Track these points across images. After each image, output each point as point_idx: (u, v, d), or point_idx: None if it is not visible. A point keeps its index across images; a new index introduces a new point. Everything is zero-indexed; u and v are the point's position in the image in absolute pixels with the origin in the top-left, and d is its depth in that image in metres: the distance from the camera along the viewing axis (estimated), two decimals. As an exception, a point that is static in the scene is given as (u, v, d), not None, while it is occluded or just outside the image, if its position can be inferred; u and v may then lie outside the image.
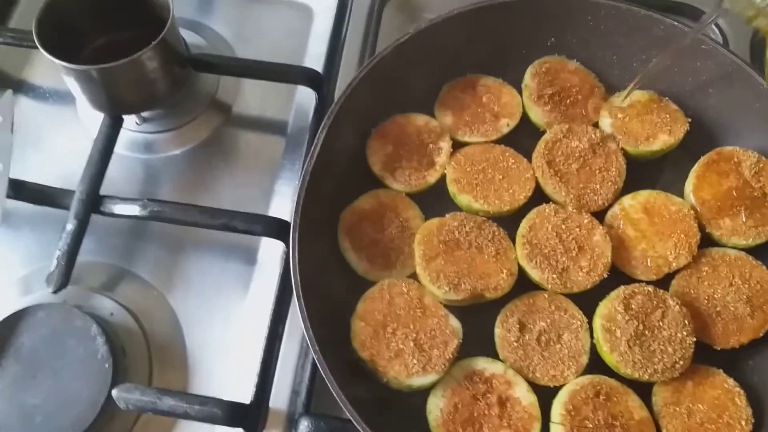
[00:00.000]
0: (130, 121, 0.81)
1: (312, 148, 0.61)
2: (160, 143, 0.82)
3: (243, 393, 0.67)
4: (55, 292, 0.68)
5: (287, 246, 0.70)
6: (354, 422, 0.53)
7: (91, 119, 0.82)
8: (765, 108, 0.66)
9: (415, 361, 0.57)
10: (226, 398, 0.65)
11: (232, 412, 0.63)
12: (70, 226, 0.70)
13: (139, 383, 0.66)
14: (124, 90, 0.72)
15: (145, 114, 0.81)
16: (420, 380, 0.57)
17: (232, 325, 0.72)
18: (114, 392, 0.64)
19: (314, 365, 0.66)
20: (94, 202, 0.72)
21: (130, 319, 0.73)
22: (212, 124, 0.83)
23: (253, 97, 0.85)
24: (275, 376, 0.69)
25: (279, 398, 0.68)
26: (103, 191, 0.74)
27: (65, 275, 0.68)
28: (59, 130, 0.83)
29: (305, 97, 0.84)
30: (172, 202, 0.72)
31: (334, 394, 0.54)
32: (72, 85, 0.72)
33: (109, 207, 0.72)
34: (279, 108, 0.85)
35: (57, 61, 0.67)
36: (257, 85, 0.84)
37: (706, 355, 0.62)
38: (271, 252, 0.75)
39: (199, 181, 0.80)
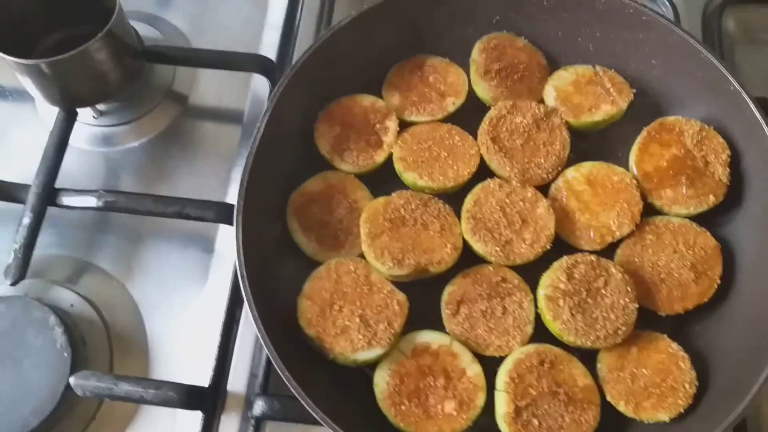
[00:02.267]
0: (87, 115, 0.81)
1: (255, 132, 0.62)
2: (118, 136, 0.83)
3: (203, 377, 0.68)
4: (13, 284, 0.69)
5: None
6: (300, 399, 0.54)
7: (49, 115, 0.82)
8: (707, 76, 0.67)
9: (360, 337, 0.58)
10: (186, 383, 0.66)
11: (187, 395, 0.64)
12: (26, 220, 0.71)
13: (99, 371, 0.67)
14: (75, 83, 0.73)
15: (101, 107, 0.82)
16: (365, 354, 0.58)
17: (191, 312, 0.73)
18: (71, 380, 0.65)
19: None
20: (49, 195, 0.73)
21: (90, 309, 0.74)
22: (169, 116, 0.84)
23: (209, 87, 0.86)
24: (233, 360, 0.70)
25: (237, 381, 0.69)
26: (64, 185, 0.75)
27: (22, 268, 0.69)
28: (18, 126, 0.84)
29: (260, 85, 0.84)
30: (125, 192, 0.73)
31: (279, 372, 0.54)
32: (25, 81, 0.73)
33: (64, 200, 0.73)
34: (235, 97, 0.85)
35: (6, 57, 0.68)
36: (213, 75, 0.85)
37: (653, 322, 0.63)
38: (228, 239, 0.76)
39: (157, 171, 0.81)
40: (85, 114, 0.81)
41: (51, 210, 0.76)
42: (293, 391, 0.54)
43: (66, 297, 0.74)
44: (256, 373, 0.68)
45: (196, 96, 0.86)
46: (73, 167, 0.80)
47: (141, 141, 0.83)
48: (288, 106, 0.65)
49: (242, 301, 0.71)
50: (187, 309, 0.74)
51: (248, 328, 0.71)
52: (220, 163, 0.81)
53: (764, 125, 0.62)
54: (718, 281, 0.63)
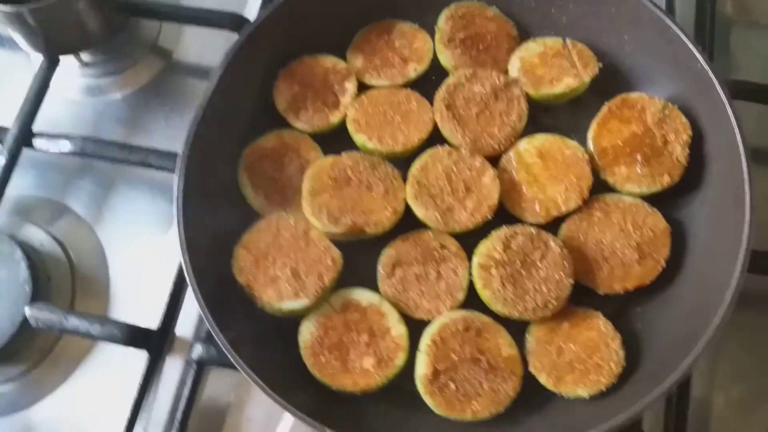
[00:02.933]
0: (75, 66, 0.85)
1: (208, 84, 0.63)
2: (103, 87, 0.86)
3: (156, 320, 0.71)
4: (-14, 214, 0.74)
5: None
6: (221, 344, 0.55)
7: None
8: (677, 54, 0.64)
9: (288, 287, 0.59)
10: (138, 324, 0.69)
11: (131, 334, 0.68)
12: (1, 159, 0.74)
13: (60, 308, 0.71)
14: (56, 30, 0.76)
15: (87, 59, 0.85)
16: (291, 304, 0.59)
17: (153, 258, 0.76)
18: (26, 310, 0.68)
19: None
20: (25, 137, 0.77)
21: (58, 249, 0.78)
22: (153, 70, 0.86)
23: (193, 44, 0.88)
24: (185, 306, 0.72)
25: (186, 327, 0.72)
26: (47, 131, 0.78)
27: (-9, 198, 0.73)
28: (11, 74, 0.87)
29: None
30: (95, 139, 0.76)
31: (203, 315, 0.56)
32: (12, 28, 0.76)
33: (38, 142, 0.77)
34: (217, 55, 0.85)
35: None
36: (197, 33, 0.87)
37: (595, 300, 0.62)
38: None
39: (137, 123, 0.84)
40: (73, 65, 0.84)
41: (34, 154, 0.80)
42: (212, 331, 0.55)
43: (37, 236, 0.77)
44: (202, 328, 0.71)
45: (179, 52, 0.88)
46: (59, 115, 0.84)
47: (124, 93, 0.85)
48: (246, 62, 0.66)
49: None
50: (149, 255, 0.77)
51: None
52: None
53: (729, 107, 0.60)
54: (663, 264, 0.61)
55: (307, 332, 0.59)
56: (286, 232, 0.63)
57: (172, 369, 0.70)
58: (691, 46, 0.62)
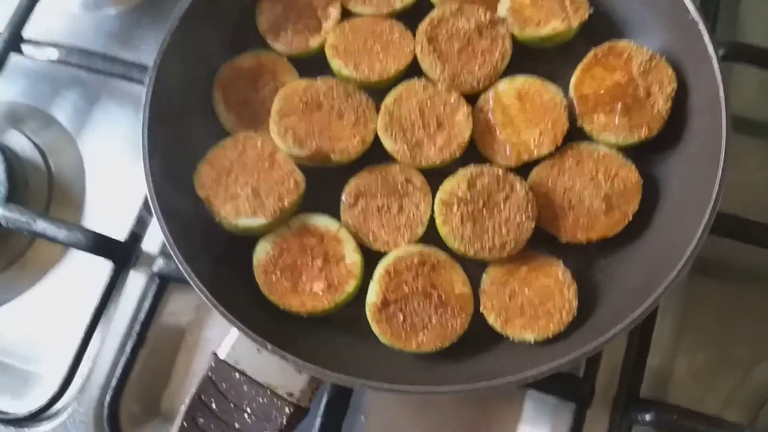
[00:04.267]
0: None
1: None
2: (98, 2, 0.86)
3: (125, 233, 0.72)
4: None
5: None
6: (175, 259, 0.55)
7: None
8: (672, 6, 0.61)
9: (247, 205, 0.59)
10: (111, 237, 0.70)
11: (97, 242, 0.69)
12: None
13: (33, 211, 0.72)
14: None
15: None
16: (248, 222, 0.59)
17: (130, 173, 0.76)
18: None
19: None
20: (14, 42, 0.77)
21: (39, 157, 0.79)
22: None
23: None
24: (152, 222, 0.73)
25: (154, 243, 0.72)
26: (36, 39, 0.78)
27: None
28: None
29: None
30: (81, 49, 0.76)
31: (161, 232, 0.56)
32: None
33: (26, 49, 0.77)
34: None
35: None
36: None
37: (561, 248, 0.61)
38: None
39: (128, 39, 0.84)
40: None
41: (25, 62, 0.80)
42: (167, 244, 0.56)
43: (20, 142, 0.78)
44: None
45: None
46: (54, 27, 0.84)
47: (118, 9, 0.85)
48: None
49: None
50: (127, 170, 0.77)
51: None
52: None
53: (715, 63, 0.57)
54: (630, 218, 0.60)
55: (262, 251, 0.60)
56: (252, 151, 0.62)
57: (136, 283, 0.71)
58: (686, -3, 0.59)
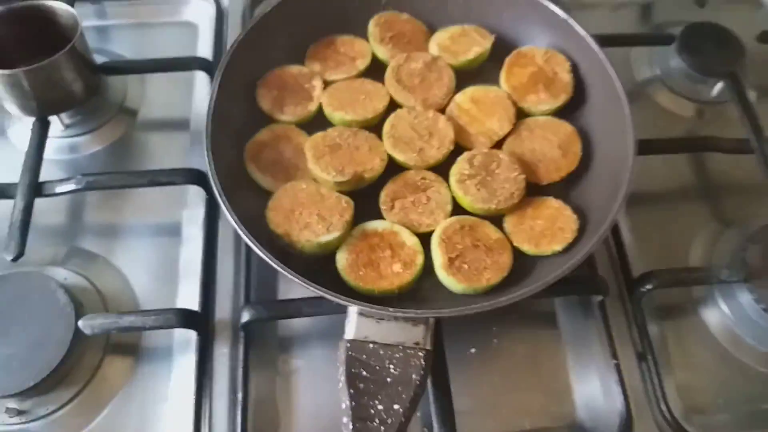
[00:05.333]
0: (56, 129, 0.95)
1: (208, 104, 0.77)
2: (81, 144, 0.96)
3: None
4: (13, 260, 0.80)
5: (206, 188, 0.86)
6: (281, 270, 0.67)
7: (20, 139, 0.95)
8: (542, 16, 0.90)
9: (320, 227, 0.74)
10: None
11: (183, 316, 0.77)
12: (20, 204, 0.82)
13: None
14: (46, 91, 0.86)
15: (67, 121, 0.95)
16: (326, 237, 0.73)
17: (170, 266, 0.86)
18: (80, 322, 0.75)
19: (248, 268, 0.82)
20: (36, 187, 0.85)
21: (82, 280, 0.85)
22: (122, 128, 0.98)
23: (155, 103, 1.01)
24: (217, 293, 0.83)
25: (223, 311, 0.82)
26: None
27: (21, 245, 0.80)
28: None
29: (202, 93, 1.01)
30: (102, 172, 0.87)
31: (262, 256, 0.68)
32: (7, 93, 0.86)
33: (49, 188, 0.85)
34: (175, 111, 1.01)
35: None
36: (158, 93, 1.01)
37: (543, 190, 0.82)
38: (192, 208, 0.90)
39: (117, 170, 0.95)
40: (55, 129, 0.94)
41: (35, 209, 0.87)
42: (275, 265, 0.68)
43: (59, 273, 0.84)
44: (238, 300, 0.82)
45: (143, 111, 1.01)
46: (47, 176, 0.92)
47: (101, 147, 0.96)
48: (229, 82, 0.80)
49: (215, 244, 0.86)
50: (166, 265, 0.86)
51: (226, 262, 0.85)
52: (172, 160, 0.95)
53: (590, 40, 0.85)
54: (580, 154, 0.84)
55: (342, 259, 0.74)
56: (302, 193, 0.77)
57: (222, 343, 0.79)
58: (557, 11, 0.87)
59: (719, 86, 1.03)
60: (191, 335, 0.79)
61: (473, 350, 0.83)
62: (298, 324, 0.83)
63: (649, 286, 0.82)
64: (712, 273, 0.84)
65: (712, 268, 0.85)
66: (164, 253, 0.88)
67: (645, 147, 0.89)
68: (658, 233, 0.91)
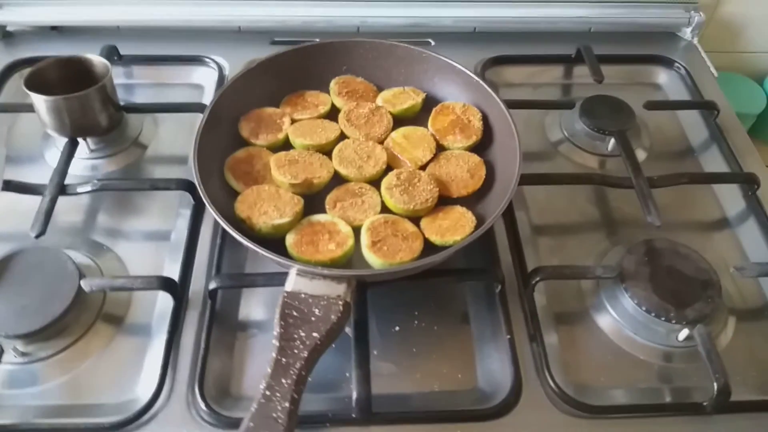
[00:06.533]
0: (83, 152, 1.21)
1: (197, 128, 1.03)
2: (100, 165, 1.22)
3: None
4: (36, 236, 1.02)
5: (192, 194, 1.10)
6: (242, 241, 0.89)
7: (54, 160, 1.20)
8: (462, 79, 1.17)
9: (275, 213, 0.97)
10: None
11: (163, 282, 0.98)
12: (47, 197, 1.05)
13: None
14: (79, 117, 1.13)
15: (92, 146, 1.22)
16: (279, 221, 0.96)
17: (159, 257, 1.08)
18: (82, 281, 0.96)
19: (221, 253, 1.04)
20: (61, 187, 1.09)
21: (88, 260, 1.06)
22: (134, 157, 1.24)
23: (163, 142, 1.27)
24: (194, 270, 1.04)
25: (198, 284, 1.03)
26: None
27: (43, 225, 1.02)
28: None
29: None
30: (114, 178, 1.12)
31: (228, 230, 0.90)
32: (48, 116, 1.12)
33: (72, 189, 1.09)
34: (180, 149, 1.27)
35: (37, 96, 1.09)
36: (167, 134, 1.28)
37: (455, 201, 1.06)
38: (181, 206, 1.14)
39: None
40: (81, 151, 1.20)
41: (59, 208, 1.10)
42: (238, 237, 0.89)
43: (70, 253, 1.06)
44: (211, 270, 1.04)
45: (153, 147, 1.28)
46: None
47: (117, 168, 1.22)
48: (215, 118, 1.06)
49: (197, 239, 1.08)
50: (156, 255, 1.08)
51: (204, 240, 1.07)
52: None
53: (497, 99, 1.12)
54: (483, 177, 1.08)
55: (290, 238, 0.96)
56: (264, 193, 1.01)
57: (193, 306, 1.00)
58: (470, 74, 1.16)
59: (612, 142, 1.29)
60: (168, 314, 0.98)
61: (397, 328, 1.02)
62: (258, 305, 1.03)
63: (537, 278, 1.02)
64: (590, 270, 1.05)
65: (589, 267, 1.06)
66: (155, 247, 1.10)
67: (546, 178, 1.14)
68: (557, 253, 1.13)
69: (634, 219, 1.20)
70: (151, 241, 1.12)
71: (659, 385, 1.00)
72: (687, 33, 1.58)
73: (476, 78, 1.15)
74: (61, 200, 1.09)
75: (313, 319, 0.84)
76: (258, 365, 0.97)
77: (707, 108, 1.39)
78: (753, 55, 1.74)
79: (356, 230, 0.99)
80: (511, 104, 1.11)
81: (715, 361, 0.95)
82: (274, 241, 0.97)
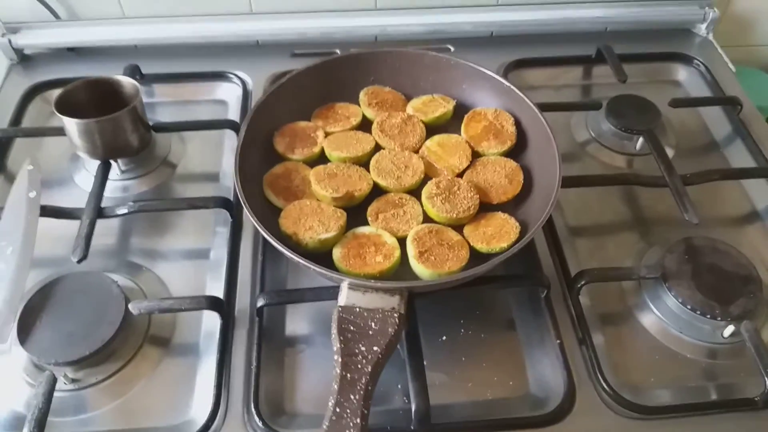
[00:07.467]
0: (114, 174, 1.20)
1: (236, 146, 1.03)
2: (131, 186, 1.21)
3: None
4: (78, 261, 1.01)
5: (230, 211, 1.10)
6: (288, 254, 0.89)
7: (85, 183, 1.20)
8: (492, 85, 1.17)
9: (320, 228, 0.96)
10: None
11: (210, 301, 0.97)
12: (86, 221, 1.05)
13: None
14: (111, 139, 1.12)
15: (123, 167, 1.21)
16: (325, 235, 0.95)
17: (200, 276, 1.07)
18: (129, 305, 0.96)
19: (263, 269, 1.03)
20: (99, 210, 1.09)
21: (130, 283, 1.05)
22: (163, 177, 1.24)
23: (191, 161, 1.27)
24: (238, 289, 1.04)
25: (242, 302, 1.03)
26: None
27: (84, 250, 1.02)
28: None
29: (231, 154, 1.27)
30: (151, 199, 1.11)
31: (276, 246, 0.90)
32: (77, 140, 1.12)
33: (109, 211, 1.09)
34: (208, 168, 1.27)
35: (70, 119, 1.08)
36: (195, 153, 1.28)
37: (496, 207, 1.05)
38: (219, 228, 1.14)
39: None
40: (112, 173, 1.19)
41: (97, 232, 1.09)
42: (285, 251, 0.89)
43: (113, 276, 1.05)
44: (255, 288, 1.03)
45: (181, 166, 1.27)
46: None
47: (146, 189, 1.21)
48: (251, 134, 1.06)
49: (237, 258, 1.08)
50: (197, 274, 1.08)
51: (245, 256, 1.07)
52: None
53: (528, 101, 1.12)
54: (522, 182, 1.08)
55: (337, 252, 0.95)
56: (307, 208, 1.01)
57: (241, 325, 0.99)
58: (505, 82, 1.16)
59: (640, 141, 1.29)
60: (215, 333, 0.98)
61: (444, 338, 1.02)
62: (304, 320, 1.03)
63: (583, 281, 1.03)
64: (633, 271, 1.05)
65: (633, 268, 1.06)
66: (195, 266, 1.10)
67: (581, 180, 1.15)
68: (596, 254, 1.13)
69: (666, 217, 1.20)
70: (190, 260, 1.11)
71: (707, 382, 1.00)
72: (702, 29, 1.59)
73: (507, 83, 1.15)
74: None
75: (371, 332, 0.84)
76: (310, 381, 0.96)
77: (731, 104, 1.40)
78: (766, 48, 1.75)
79: (400, 241, 0.99)
80: (540, 107, 1.12)
81: (764, 356, 0.95)
82: (319, 256, 0.97)
